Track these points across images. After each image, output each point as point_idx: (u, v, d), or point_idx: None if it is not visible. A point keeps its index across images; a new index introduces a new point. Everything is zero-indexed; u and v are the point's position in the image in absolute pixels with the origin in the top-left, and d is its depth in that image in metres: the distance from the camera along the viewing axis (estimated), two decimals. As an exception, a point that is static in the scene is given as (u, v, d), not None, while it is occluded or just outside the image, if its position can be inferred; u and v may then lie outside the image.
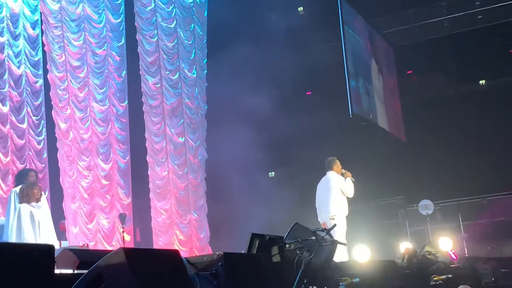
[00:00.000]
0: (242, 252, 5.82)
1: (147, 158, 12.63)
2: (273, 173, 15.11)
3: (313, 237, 5.72)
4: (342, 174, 9.80)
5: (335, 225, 6.57)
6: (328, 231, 6.08)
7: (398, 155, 15.76)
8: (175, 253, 4.11)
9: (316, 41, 14.83)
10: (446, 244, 9.78)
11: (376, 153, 14.95)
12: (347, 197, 9.77)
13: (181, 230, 12.76)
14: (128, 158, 12.20)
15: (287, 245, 5.71)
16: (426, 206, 14.32)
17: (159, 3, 13.16)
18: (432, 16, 16.10)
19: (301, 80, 14.48)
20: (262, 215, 12.14)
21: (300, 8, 15.05)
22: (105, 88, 12.06)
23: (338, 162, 9.87)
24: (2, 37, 11.15)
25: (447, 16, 16.01)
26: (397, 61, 17.48)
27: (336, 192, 9.65)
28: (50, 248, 3.02)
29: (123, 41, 12.54)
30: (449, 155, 15.13)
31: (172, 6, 13.41)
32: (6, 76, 11.10)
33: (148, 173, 12.60)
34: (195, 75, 13.72)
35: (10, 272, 2.68)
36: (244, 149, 12.88)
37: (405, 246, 9.71)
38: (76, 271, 4.15)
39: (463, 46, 16.13)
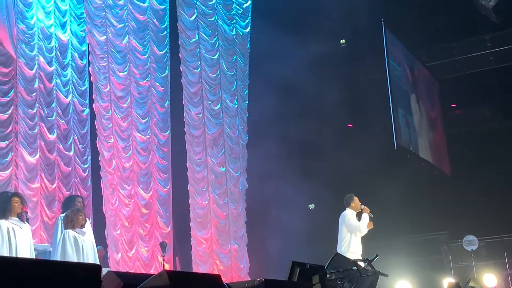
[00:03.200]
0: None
1: (188, 187, 12.72)
2: (313, 205, 15.02)
3: (355, 268, 5.65)
4: (361, 210, 9.84)
5: (377, 255, 6.48)
6: (370, 261, 6.01)
7: (442, 189, 15.50)
8: (217, 277, 4.11)
9: (357, 72, 14.85)
10: (490, 281, 9.55)
11: (419, 187, 14.75)
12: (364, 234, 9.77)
13: (221, 260, 12.74)
14: (169, 187, 12.31)
15: (328, 275, 5.65)
16: (470, 242, 14.00)
17: (203, 35, 13.39)
18: (476, 49, 15.96)
19: (342, 112, 14.46)
20: (301, 246, 12.05)
21: (342, 41, 15.10)
22: (147, 118, 12.26)
23: (356, 199, 9.92)
24: (51, 67, 11.48)
25: (492, 50, 15.85)
26: (440, 94, 17.32)
27: (346, 230, 9.71)
28: (97, 268, 3.06)
29: (166, 72, 12.77)
30: (495, 190, 14.81)
31: (216, 38, 13.63)
32: (54, 104, 11.40)
33: (189, 202, 12.68)
34: (236, 106, 13.85)
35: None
36: (284, 179, 12.86)
37: (448, 281, 9.51)
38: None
39: (508, 80, 15.91)
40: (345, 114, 14.84)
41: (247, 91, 14.16)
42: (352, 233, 9.65)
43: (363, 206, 9.84)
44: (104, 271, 8.44)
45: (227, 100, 13.70)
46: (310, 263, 5.83)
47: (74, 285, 2.85)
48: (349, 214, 9.82)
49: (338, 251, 9.18)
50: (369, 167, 14.19)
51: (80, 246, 7.71)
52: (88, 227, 8.33)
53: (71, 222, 7.92)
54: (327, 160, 13.69)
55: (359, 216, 9.81)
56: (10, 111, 10.97)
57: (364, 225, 9.67)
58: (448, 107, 17.40)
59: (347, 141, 14.54)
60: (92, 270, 3.07)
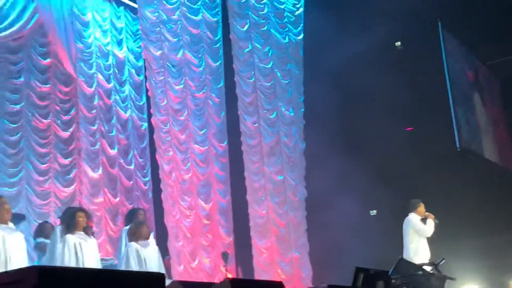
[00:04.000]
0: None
1: (246, 197, 12.74)
2: (374, 211, 14.80)
3: (420, 272, 5.52)
4: (426, 216, 9.73)
5: (443, 259, 6.32)
6: (436, 265, 5.87)
7: (509, 189, 14.99)
8: (279, 284, 4.08)
9: (414, 73, 14.57)
10: None
11: (485, 187, 14.33)
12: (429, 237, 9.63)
13: (283, 268, 12.69)
14: (228, 197, 12.37)
15: (393, 280, 5.54)
16: (542, 244, 13.49)
17: (256, 44, 13.44)
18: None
19: (401, 115, 14.21)
20: (364, 252, 11.87)
21: (398, 43, 14.87)
22: (205, 130, 12.36)
23: (422, 205, 9.82)
24: (109, 83, 11.76)
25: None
26: (502, 92, 16.83)
27: (412, 234, 9.59)
28: (162, 277, 3.08)
29: (221, 83, 12.87)
30: None
31: (269, 47, 13.65)
32: (114, 120, 11.66)
33: (248, 211, 12.69)
34: (292, 114, 13.81)
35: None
36: (344, 186, 12.72)
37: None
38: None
39: None
40: (405, 116, 14.57)
41: (302, 98, 14.11)
42: (419, 237, 9.55)
43: (427, 213, 9.78)
44: (168, 282, 8.51)
45: (283, 109, 13.68)
46: (374, 268, 5.73)
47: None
48: (414, 218, 9.72)
49: (405, 256, 9.03)
50: (431, 170, 13.88)
51: (142, 258, 7.81)
52: (152, 239, 8.44)
53: (135, 235, 8.05)
54: (387, 163, 13.47)
55: (423, 222, 9.70)
56: (72, 129, 11.28)
57: (430, 229, 9.56)
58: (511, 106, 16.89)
59: (408, 143, 14.26)
60: (156, 279, 3.09)
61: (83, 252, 7.54)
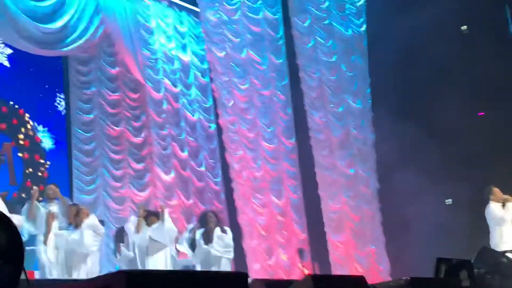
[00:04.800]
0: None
1: (318, 192, 12.68)
2: (450, 200, 14.43)
3: (504, 260, 5.36)
4: (504, 200, 9.39)
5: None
6: (520, 252, 5.68)
7: None
8: (361, 278, 4.04)
9: (482, 58, 14.12)
10: None
11: None
12: None
13: (360, 262, 12.56)
14: (300, 193, 12.35)
15: (476, 269, 5.40)
16: None
17: (319, 39, 13.34)
18: None
19: (472, 100, 13.80)
20: (444, 242, 11.61)
21: (464, 27, 14.43)
22: (272, 127, 12.38)
23: (495, 190, 9.50)
24: (176, 88, 11.95)
25: None
26: None
27: (493, 223, 9.28)
28: (244, 276, 3.10)
29: (286, 80, 12.85)
30: None
31: (331, 40, 13.53)
32: (183, 123, 11.84)
33: (321, 206, 12.62)
34: (360, 106, 13.64)
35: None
36: (418, 176, 12.46)
37: None
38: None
39: None
40: (476, 101, 14.14)
41: (369, 90, 13.92)
42: (503, 224, 9.27)
43: (506, 196, 9.45)
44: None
45: (350, 101, 13.54)
46: (455, 258, 5.60)
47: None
48: (492, 206, 9.45)
49: (491, 244, 8.84)
50: (507, 155, 13.43)
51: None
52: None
53: (207, 237, 8.17)
54: (463, 150, 13.10)
55: (503, 206, 9.39)
56: (143, 134, 11.53)
57: (509, 215, 9.26)
58: None
59: (481, 129, 13.84)
60: (239, 279, 3.11)
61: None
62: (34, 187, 8.79)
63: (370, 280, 12.12)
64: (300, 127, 12.84)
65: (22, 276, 2.55)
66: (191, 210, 11.45)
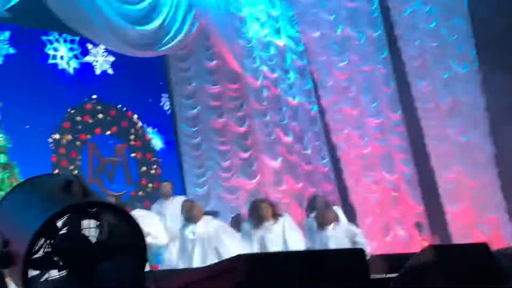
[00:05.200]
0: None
1: (431, 163, 12.28)
2: None
3: None
4: None
5: None
6: None
7: None
8: (484, 246, 3.83)
9: None
10: None
11: None
12: None
13: (482, 231, 12.05)
14: (412, 166, 12.01)
15: None
16: None
17: (416, 6, 12.87)
18: None
19: None
20: None
21: None
22: (376, 102, 12.11)
23: None
24: (274, 73, 11.94)
25: None
26: None
27: None
28: (362, 252, 3.03)
29: (385, 52, 12.51)
30: None
31: (429, 6, 13.01)
32: (284, 109, 11.82)
33: (435, 178, 12.21)
34: (466, 70, 13.05)
35: (330, 275, 2.74)
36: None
37: None
38: (387, 275, 4.12)
39: None
40: None
41: (474, 52, 13.28)
42: None
43: None
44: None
45: (455, 66, 12.98)
46: None
47: (344, 270, 2.84)
48: None
49: None
50: None
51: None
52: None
53: (321, 222, 8.09)
54: None
55: None
56: (247, 123, 11.64)
57: None
58: None
59: None
60: (358, 255, 3.04)
61: (268, 244, 7.72)
62: (164, 183, 9.03)
63: (495, 247, 11.55)
64: (405, 99, 12.47)
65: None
66: (301, 194, 11.42)
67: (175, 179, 10.83)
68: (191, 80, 11.71)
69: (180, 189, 10.76)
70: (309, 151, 11.86)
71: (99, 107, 10.98)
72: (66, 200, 2.41)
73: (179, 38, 10.99)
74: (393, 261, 4.46)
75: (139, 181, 11.13)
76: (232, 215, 9.90)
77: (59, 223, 2.40)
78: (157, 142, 11.49)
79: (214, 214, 9.68)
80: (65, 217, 2.41)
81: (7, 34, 10.02)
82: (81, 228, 2.46)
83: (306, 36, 11.59)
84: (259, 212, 7.75)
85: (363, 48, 12.21)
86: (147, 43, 10.66)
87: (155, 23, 10.69)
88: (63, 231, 2.42)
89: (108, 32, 10.09)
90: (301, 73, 12.29)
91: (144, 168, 11.23)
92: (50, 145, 10.32)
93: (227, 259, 2.97)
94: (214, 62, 11.74)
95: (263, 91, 11.79)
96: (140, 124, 11.35)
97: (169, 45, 10.90)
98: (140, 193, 10.97)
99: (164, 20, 10.77)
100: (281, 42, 12.21)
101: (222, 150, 11.41)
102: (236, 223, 9.18)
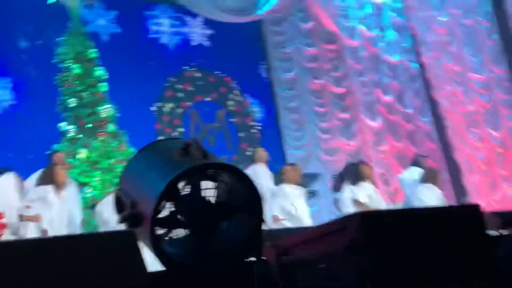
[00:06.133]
0: None
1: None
2: None
3: None
4: None
5: None
6: None
7: None
8: None
9: None
10: None
11: None
12: None
13: None
14: (519, 120, 11.52)
15: None
16: None
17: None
18: None
19: None
20: None
21: None
22: (479, 57, 11.64)
23: None
24: (372, 32, 11.69)
25: None
26: None
27: None
28: (477, 207, 2.96)
29: (488, 5, 11.96)
30: None
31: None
32: (383, 67, 11.59)
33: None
34: None
35: (448, 231, 2.71)
36: None
37: None
38: (501, 232, 4.02)
39: None
40: None
41: None
42: None
43: None
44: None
45: None
46: None
47: (462, 226, 2.80)
48: None
49: None
50: None
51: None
52: None
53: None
54: None
55: None
56: (345, 84, 11.52)
57: None
58: None
59: None
60: (472, 211, 2.98)
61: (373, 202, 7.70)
62: (258, 149, 9.02)
63: None
64: (510, 52, 11.91)
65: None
66: (403, 153, 11.23)
67: (274, 143, 10.94)
68: (286, 43, 11.67)
69: (279, 152, 10.87)
70: (410, 110, 11.61)
71: (198, 75, 11.19)
72: (186, 163, 2.51)
73: (273, 1, 10.95)
74: (505, 217, 4.35)
75: (239, 146, 11.31)
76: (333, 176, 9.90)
77: (180, 185, 2.51)
78: (255, 107, 11.60)
79: (313, 176, 9.73)
80: (185, 178, 2.52)
81: (113, 13, 10.36)
82: (201, 188, 2.57)
83: (405, -8, 11.25)
84: (360, 173, 7.78)
85: (464, 1, 11.71)
86: (242, 8, 10.70)
87: (250, -13, 10.70)
88: (185, 191, 2.53)
89: (204, 1, 10.22)
90: (400, 30, 11.96)
91: (243, 133, 11.39)
92: (154, 113, 10.65)
93: (343, 217, 2.99)
94: (309, 23, 11.63)
95: (360, 51, 11.60)
96: (238, 89, 11.49)
97: (264, 8, 10.89)
98: (241, 157, 11.16)
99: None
100: (378, 0, 11.92)
101: (320, 112, 11.36)
102: (336, 186, 9.19)
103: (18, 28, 9.22)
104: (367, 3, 11.89)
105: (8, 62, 9.09)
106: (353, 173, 8.02)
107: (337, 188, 8.85)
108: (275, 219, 7.15)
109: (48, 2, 7.81)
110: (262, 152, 8.66)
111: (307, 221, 7.29)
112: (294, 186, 7.59)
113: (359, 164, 8.26)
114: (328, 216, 9.66)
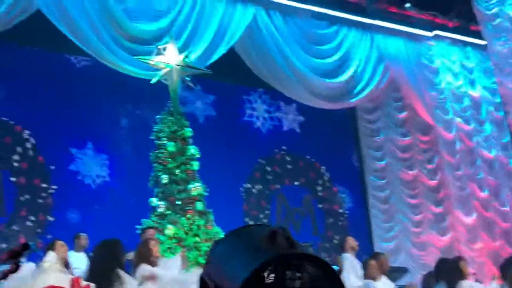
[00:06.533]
0: None
1: None
2: None
3: None
4: None
5: None
6: None
7: None
8: None
9: None
10: None
11: None
12: None
13: None
14: None
15: None
16: None
17: None
18: None
19: None
20: None
21: None
22: None
23: None
24: (469, 125, 11.44)
25: None
26: None
27: None
28: None
29: None
30: None
31: None
32: (479, 162, 11.24)
33: None
34: None
35: None
36: None
37: None
38: None
39: None
40: None
41: None
42: None
43: None
44: None
45: None
46: None
47: None
48: None
49: None
50: None
51: None
52: None
53: None
54: None
55: None
56: (438, 176, 11.22)
57: None
58: None
59: None
60: None
61: None
62: (348, 238, 8.73)
63: None
64: None
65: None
66: (498, 253, 10.66)
67: (362, 232, 10.68)
68: (379, 132, 11.58)
69: (366, 243, 10.58)
70: (507, 208, 11.10)
71: (288, 158, 11.24)
72: (271, 251, 2.45)
73: (368, 90, 10.98)
74: None
75: (325, 233, 11.13)
76: (423, 273, 9.48)
77: (265, 273, 2.44)
78: (344, 194, 11.46)
79: (402, 270, 9.35)
80: (270, 267, 2.45)
81: (211, 97, 10.70)
82: (285, 279, 2.48)
83: (504, 88, 10.98)
84: (459, 271, 7.25)
85: None
86: (336, 95, 10.78)
87: (344, 76, 10.78)
88: (269, 280, 2.46)
89: (298, 85, 10.38)
90: (498, 125, 11.64)
91: (330, 220, 11.22)
92: (242, 194, 10.71)
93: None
94: (404, 113, 11.54)
95: (456, 144, 11.32)
96: (327, 175, 11.42)
97: (358, 97, 10.93)
98: (327, 245, 10.95)
99: (354, 73, 10.83)
100: (476, 93, 11.72)
101: (412, 204, 11.06)
102: (427, 282, 8.76)
103: (118, 107, 9.68)
104: (465, 96, 11.70)
105: (107, 139, 9.51)
106: (451, 270, 7.49)
107: (428, 286, 8.43)
108: None
109: (151, 82, 8.15)
110: (351, 241, 8.39)
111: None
112: (384, 279, 7.32)
113: (458, 260, 7.67)
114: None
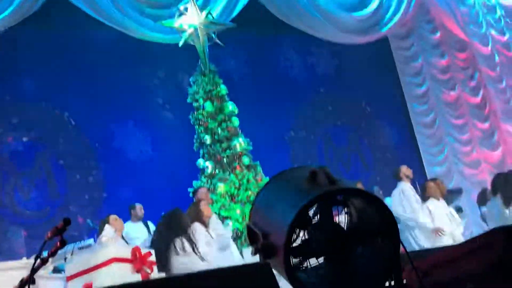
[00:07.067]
0: None
1: None
2: None
3: None
4: None
5: None
6: None
7: None
8: None
9: None
10: None
11: None
12: None
13: None
14: None
15: None
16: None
17: None
18: None
19: None
20: None
21: None
22: None
23: None
24: (504, 36, 11.18)
25: None
26: None
27: None
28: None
29: None
30: None
31: None
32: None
33: None
34: None
35: None
36: None
37: None
38: None
39: None
40: None
41: None
42: None
43: None
44: None
45: None
46: None
47: None
48: None
49: None
50: None
51: None
52: None
53: None
54: None
55: None
56: (481, 93, 11.03)
57: None
58: None
59: None
60: None
61: None
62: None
63: None
64: None
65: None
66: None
67: (412, 161, 10.62)
68: (416, 57, 11.36)
69: (418, 170, 10.53)
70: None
71: (327, 100, 11.17)
72: (314, 190, 2.48)
73: (398, 16, 10.74)
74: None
75: (376, 167, 11.10)
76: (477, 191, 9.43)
77: (311, 212, 2.49)
78: (389, 126, 11.36)
79: (457, 191, 9.29)
80: (315, 206, 2.49)
81: (242, 53, 10.58)
82: (332, 215, 2.52)
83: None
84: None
85: None
86: (366, 28, 10.58)
87: (371, 6, 10.56)
88: (316, 219, 2.50)
89: (326, 24, 10.21)
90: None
91: (378, 154, 11.18)
92: (287, 143, 10.73)
93: (486, 232, 2.83)
94: (438, 34, 11.27)
95: (494, 56, 11.06)
96: (368, 110, 11.33)
97: (389, 25, 10.71)
98: (378, 178, 10.94)
99: (380, 2, 10.60)
100: (508, 2, 11.36)
101: (458, 124, 10.91)
102: (482, 199, 8.70)
103: (151, 76, 9.73)
104: (497, 6, 11.36)
105: (146, 111, 9.59)
106: (506, 183, 7.43)
107: (483, 201, 8.39)
108: (437, 231, 6.96)
109: (179, 45, 8.15)
110: (405, 169, 8.37)
111: (459, 238, 7.05)
112: (441, 202, 7.34)
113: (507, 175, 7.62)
114: (477, 232, 9.19)
